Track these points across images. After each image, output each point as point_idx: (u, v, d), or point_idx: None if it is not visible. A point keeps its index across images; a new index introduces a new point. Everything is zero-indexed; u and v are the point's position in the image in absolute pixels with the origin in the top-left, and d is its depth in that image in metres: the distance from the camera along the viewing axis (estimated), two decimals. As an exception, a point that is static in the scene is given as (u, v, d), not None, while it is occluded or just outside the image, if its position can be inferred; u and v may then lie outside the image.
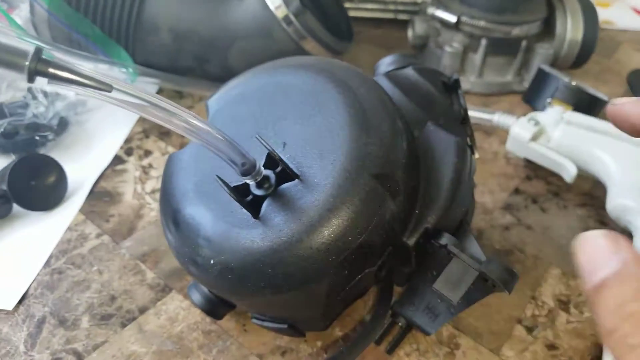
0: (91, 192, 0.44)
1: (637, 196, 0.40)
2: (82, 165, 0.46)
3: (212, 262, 0.27)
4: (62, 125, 0.48)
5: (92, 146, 0.48)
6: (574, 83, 0.51)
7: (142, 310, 0.35)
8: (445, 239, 0.29)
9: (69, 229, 0.41)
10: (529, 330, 0.37)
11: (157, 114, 0.22)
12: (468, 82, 0.59)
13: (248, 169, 0.26)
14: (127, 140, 0.51)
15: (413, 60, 0.35)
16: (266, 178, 0.28)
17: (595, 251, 0.18)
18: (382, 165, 0.27)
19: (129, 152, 0.49)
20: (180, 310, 0.36)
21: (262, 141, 0.27)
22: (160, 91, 0.57)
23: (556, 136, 0.46)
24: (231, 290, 0.28)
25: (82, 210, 0.42)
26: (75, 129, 0.50)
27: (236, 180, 0.28)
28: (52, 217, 0.41)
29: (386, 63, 0.36)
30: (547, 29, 0.60)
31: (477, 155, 0.35)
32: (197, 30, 0.51)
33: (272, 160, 0.28)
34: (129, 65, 0.49)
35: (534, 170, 0.50)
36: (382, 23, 0.74)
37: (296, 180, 0.27)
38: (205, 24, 0.51)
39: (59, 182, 0.42)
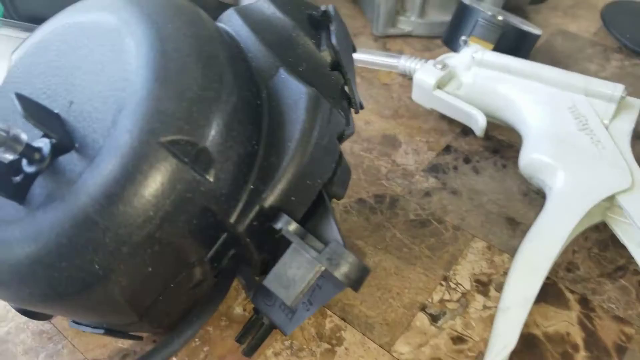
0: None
1: (553, 149, 0.33)
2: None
3: (-29, 260, 0.21)
4: None
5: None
6: (500, 17, 0.42)
7: (-33, 308, 0.30)
8: (281, 222, 0.22)
9: None
10: (434, 319, 0.30)
11: None
12: (409, 23, 0.51)
13: (-4, 139, 0.20)
14: None
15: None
16: (36, 150, 0.21)
17: None
18: (181, 128, 0.20)
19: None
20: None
21: (18, 101, 0.20)
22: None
23: (466, 81, 0.38)
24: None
25: None
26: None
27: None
28: None
29: (249, -6, 0.29)
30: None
31: (357, 109, 0.28)
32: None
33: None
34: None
35: (471, 123, 0.42)
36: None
37: (72, 151, 0.21)
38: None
39: None
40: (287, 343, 0.29)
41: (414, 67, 0.42)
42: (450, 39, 0.46)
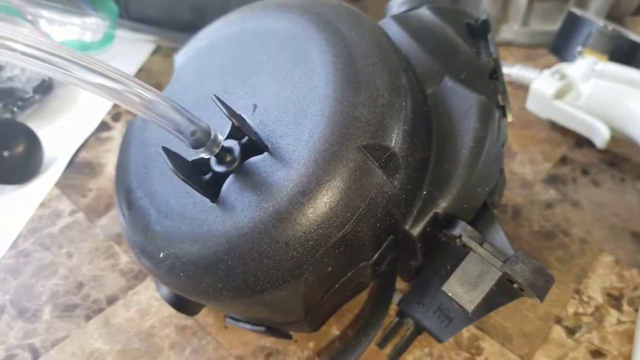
0: (70, 163, 0.40)
1: None
2: (63, 133, 0.41)
3: (161, 255, 0.22)
4: (46, 87, 0.43)
5: (77, 111, 0.44)
6: (610, 27, 0.42)
7: (111, 301, 0.31)
8: (460, 229, 0.22)
9: (42, 205, 0.37)
10: (570, 332, 0.30)
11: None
12: (510, 31, 0.50)
13: (200, 139, 0.21)
14: (116, 104, 0.46)
15: (431, -2, 0.28)
16: (228, 150, 0.22)
17: None
18: (375, 134, 0.21)
19: (116, 117, 0.44)
20: (154, 301, 0.31)
21: (220, 103, 0.21)
22: (158, 49, 0.51)
23: (586, 92, 0.37)
24: (184, 289, 0.23)
25: (58, 184, 0.38)
26: (61, 91, 0.45)
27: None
28: (24, 191, 0.37)
29: (398, 3, 0.29)
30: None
31: (510, 119, 0.28)
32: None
33: (236, 128, 0.22)
34: (108, 19, 0.44)
35: (585, 134, 0.42)
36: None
37: (265, 153, 0.21)
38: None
39: (32, 152, 0.37)
40: (426, 350, 0.29)
41: (528, 76, 0.42)
42: (560, 49, 0.45)
